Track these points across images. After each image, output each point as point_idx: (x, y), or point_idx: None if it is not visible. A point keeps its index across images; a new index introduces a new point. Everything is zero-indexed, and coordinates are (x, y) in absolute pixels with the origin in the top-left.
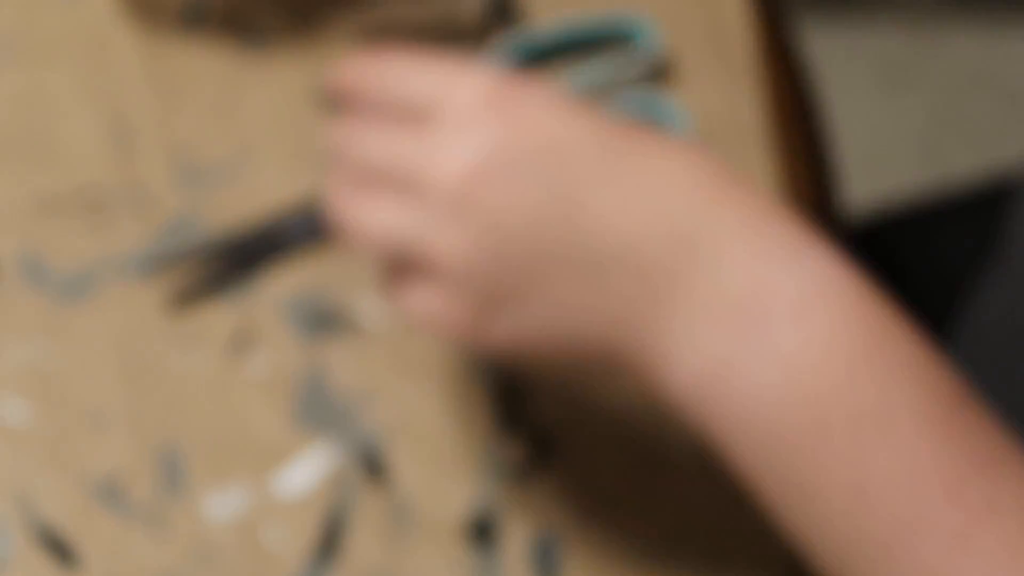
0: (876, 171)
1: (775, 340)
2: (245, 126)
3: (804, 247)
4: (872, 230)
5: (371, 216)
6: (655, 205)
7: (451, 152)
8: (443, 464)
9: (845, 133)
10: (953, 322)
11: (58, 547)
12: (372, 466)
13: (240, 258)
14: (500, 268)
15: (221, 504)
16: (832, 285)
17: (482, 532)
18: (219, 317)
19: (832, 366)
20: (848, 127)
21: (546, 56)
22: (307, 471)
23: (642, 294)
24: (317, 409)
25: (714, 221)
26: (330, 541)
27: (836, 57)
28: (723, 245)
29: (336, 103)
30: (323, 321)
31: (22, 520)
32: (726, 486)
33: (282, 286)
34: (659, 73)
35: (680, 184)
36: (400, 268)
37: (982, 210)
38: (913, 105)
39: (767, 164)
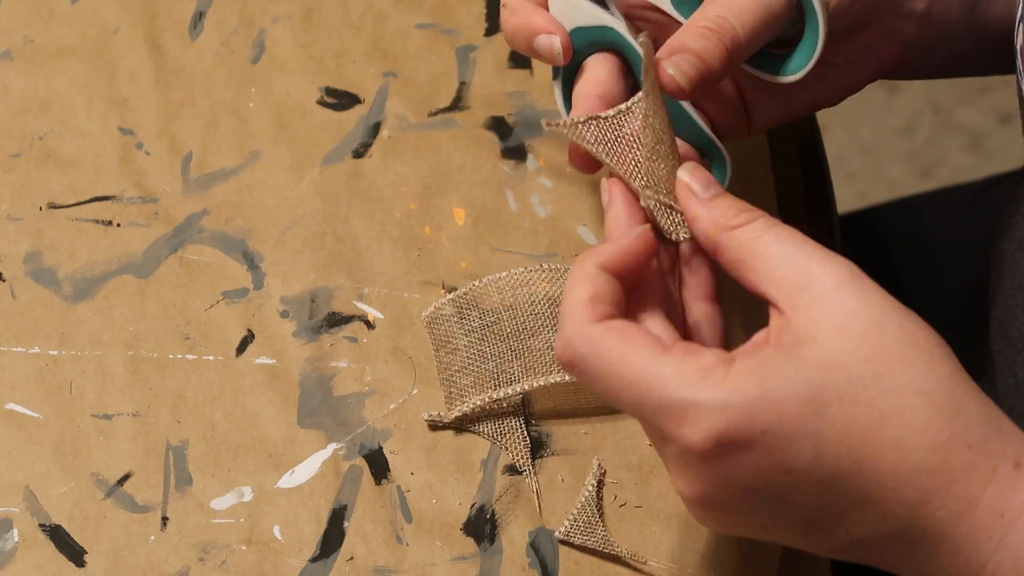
0: (869, 171)
1: None
2: (250, 130)
3: None
4: (859, 217)
5: None
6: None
7: (683, 483)
8: (443, 464)
9: (839, 133)
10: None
11: (65, 543)
12: (373, 466)
13: None
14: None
15: (226, 502)
16: None
17: (481, 531)
18: (224, 318)
19: None
20: (842, 127)
21: None
22: (310, 470)
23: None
24: (320, 408)
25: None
26: (332, 539)
27: None
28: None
29: None
30: (326, 321)
31: (30, 517)
32: None
33: (286, 287)
34: None
35: (918, 503)
36: None
37: (970, 200)
38: (908, 105)
39: (760, 163)
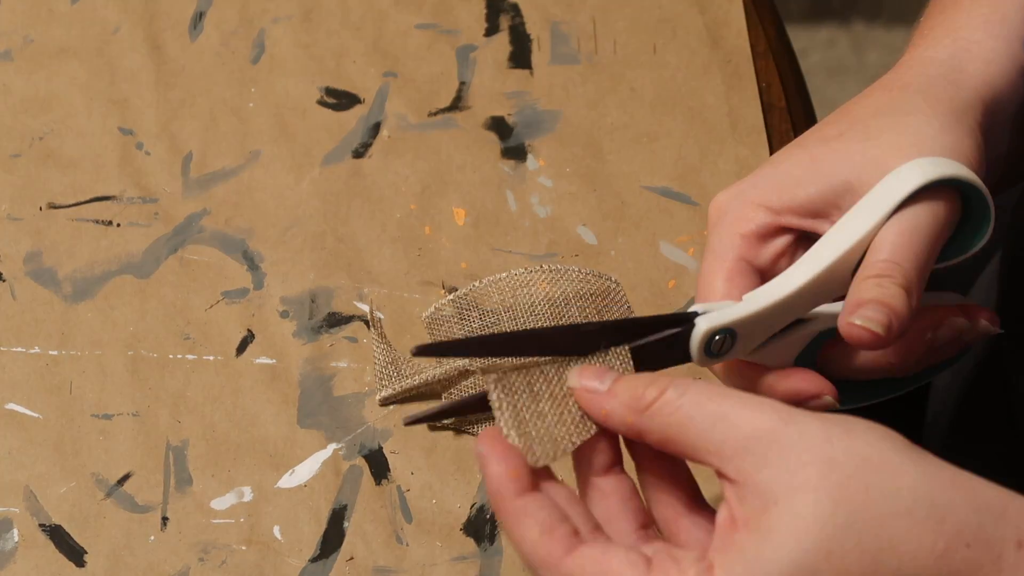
0: None
1: None
2: (250, 130)
3: None
4: None
5: None
6: None
7: None
8: (443, 464)
9: None
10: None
11: (65, 543)
12: (373, 466)
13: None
14: None
15: (226, 502)
16: None
17: (481, 531)
18: (224, 318)
19: None
20: None
21: None
22: (310, 470)
23: None
24: (320, 408)
25: None
26: (332, 539)
27: (830, 60)
28: None
29: None
30: (326, 321)
31: (30, 517)
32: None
33: (286, 287)
34: None
35: None
36: None
37: None
38: None
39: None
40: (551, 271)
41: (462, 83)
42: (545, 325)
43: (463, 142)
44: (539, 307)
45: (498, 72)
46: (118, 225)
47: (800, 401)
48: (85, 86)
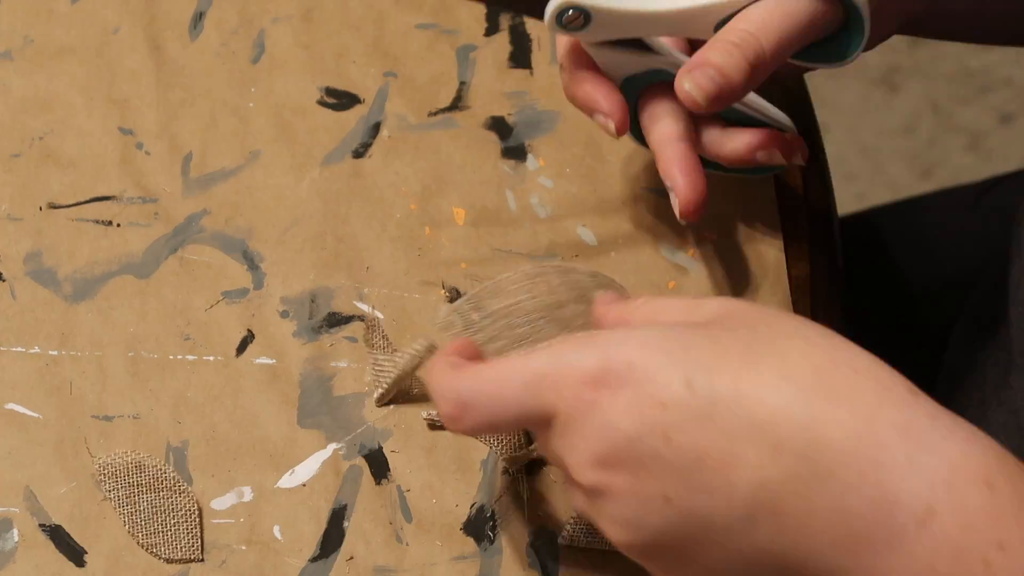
0: (869, 171)
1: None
2: (250, 130)
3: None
4: (860, 217)
5: None
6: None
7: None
8: (443, 464)
9: (839, 133)
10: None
11: (65, 543)
12: (373, 466)
13: None
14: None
15: (226, 502)
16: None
17: (481, 531)
18: (224, 318)
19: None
20: (842, 127)
21: None
22: (310, 470)
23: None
24: (320, 409)
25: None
26: (332, 539)
27: None
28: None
29: None
30: (326, 321)
31: (30, 517)
32: None
33: (286, 287)
34: None
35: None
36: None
37: (972, 202)
38: (908, 105)
39: None
40: (554, 270)
41: (462, 83)
42: (546, 328)
43: (463, 142)
44: (538, 311)
45: (498, 72)
46: (118, 225)
47: (592, 112)
48: (85, 86)
